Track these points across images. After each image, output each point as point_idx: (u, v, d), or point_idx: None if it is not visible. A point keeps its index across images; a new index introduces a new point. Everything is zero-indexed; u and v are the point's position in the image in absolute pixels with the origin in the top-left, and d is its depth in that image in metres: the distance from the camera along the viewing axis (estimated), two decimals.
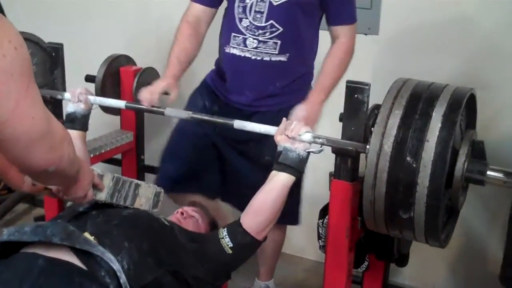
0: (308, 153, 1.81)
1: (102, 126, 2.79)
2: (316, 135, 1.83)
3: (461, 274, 2.65)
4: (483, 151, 1.79)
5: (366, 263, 2.10)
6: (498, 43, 2.40)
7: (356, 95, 1.78)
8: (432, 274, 2.74)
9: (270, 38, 2.10)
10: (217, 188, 2.38)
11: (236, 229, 1.74)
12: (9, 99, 1.07)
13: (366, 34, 2.62)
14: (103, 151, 2.64)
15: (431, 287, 2.74)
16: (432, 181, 1.62)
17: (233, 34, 2.14)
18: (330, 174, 1.87)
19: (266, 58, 2.13)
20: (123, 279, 1.37)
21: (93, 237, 1.44)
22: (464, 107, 1.70)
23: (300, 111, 2.05)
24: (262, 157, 2.13)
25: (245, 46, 2.13)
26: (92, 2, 2.44)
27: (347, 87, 1.80)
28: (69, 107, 2.19)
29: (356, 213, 1.86)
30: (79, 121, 2.12)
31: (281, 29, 2.08)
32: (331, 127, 1.95)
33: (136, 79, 2.66)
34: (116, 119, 2.82)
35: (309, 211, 2.34)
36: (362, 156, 1.83)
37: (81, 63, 2.82)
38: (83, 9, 3.16)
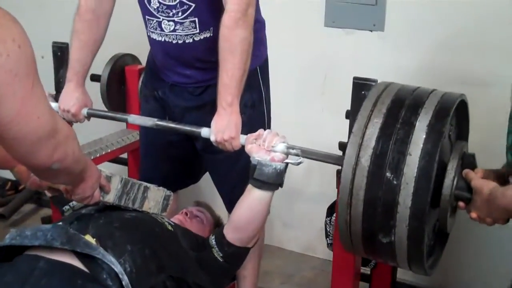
0: (286, 164, 1.69)
1: (107, 125, 2.79)
2: (290, 145, 1.69)
3: (471, 271, 2.63)
4: (475, 165, 1.58)
5: (374, 260, 2.09)
6: (504, 39, 2.38)
7: (363, 92, 1.75)
8: (441, 271, 2.72)
9: (186, 18, 1.82)
10: (199, 176, 2.29)
11: (221, 240, 1.72)
12: (15, 100, 1.06)
13: (371, 31, 2.61)
14: (109, 150, 2.64)
15: (439, 285, 2.72)
16: (415, 201, 1.41)
17: (147, 17, 1.91)
18: (337, 172, 1.86)
19: (189, 40, 1.86)
20: (125, 281, 1.36)
21: (94, 239, 1.43)
22: (452, 115, 1.51)
23: (212, 136, 1.78)
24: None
25: (162, 30, 1.87)
26: None
27: (354, 83, 1.79)
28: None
29: None
30: None
31: (193, 4, 1.80)
32: (338, 124, 1.94)
33: (141, 78, 2.66)
34: None
35: (316, 209, 2.33)
36: None
37: None
38: None
